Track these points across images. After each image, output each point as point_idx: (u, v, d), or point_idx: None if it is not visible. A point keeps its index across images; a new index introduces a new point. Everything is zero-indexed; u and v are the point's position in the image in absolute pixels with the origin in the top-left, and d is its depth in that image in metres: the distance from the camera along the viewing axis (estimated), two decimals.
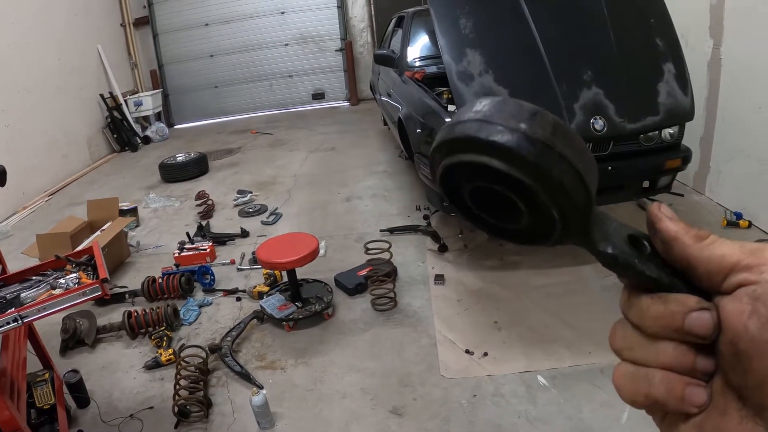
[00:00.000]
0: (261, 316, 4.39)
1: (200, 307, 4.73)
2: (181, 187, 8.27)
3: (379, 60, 6.56)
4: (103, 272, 2.67)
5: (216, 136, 11.79)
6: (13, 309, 2.46)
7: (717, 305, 0.42)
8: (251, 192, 7.38)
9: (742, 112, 5.16)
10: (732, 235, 4.67)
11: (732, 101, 5.30)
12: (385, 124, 9.46)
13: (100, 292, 2.59)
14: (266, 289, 4.74)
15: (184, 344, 4.00)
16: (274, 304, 4.39)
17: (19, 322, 2.39)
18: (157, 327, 4.35)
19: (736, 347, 0.40)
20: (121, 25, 12.53)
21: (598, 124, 4.12)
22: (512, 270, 4.88)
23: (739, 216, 5.22)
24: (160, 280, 4.89)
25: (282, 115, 13.20)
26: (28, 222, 7.73)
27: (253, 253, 5.43)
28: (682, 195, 5.57)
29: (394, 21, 7.95)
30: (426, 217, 5.86)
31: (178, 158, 8.93)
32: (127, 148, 11.27)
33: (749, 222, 5.17)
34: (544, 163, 0.44)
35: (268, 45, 13.23)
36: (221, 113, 13.48)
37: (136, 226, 6.72)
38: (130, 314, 4.37)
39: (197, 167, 8.79)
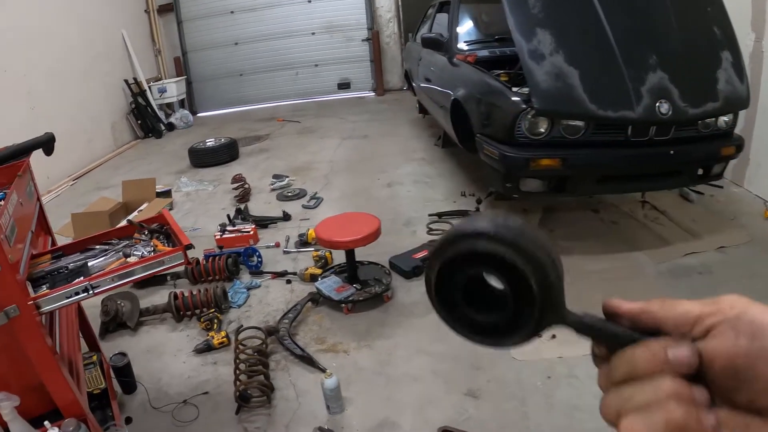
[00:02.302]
0: (317, 298, 4.13)
1: (248, 289, 4.47)
2: (212, 172, 8.03)
3: (428, 43, 6.29)
4: (185, 238, 2.39)
5: (241, 123, 11.57)
6: (82, 278, 2.19)
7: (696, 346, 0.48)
8: (288, 176, 7.12)
9: None
10: None
11: None
12: (421, 111, 9.21)
13: (182, 260, 2.31)
14: (319, 271, 4.47)
15: (241, 326, 3.72)
16: (330, 285, 4.12)
17: (90, 292, 2.11)
18: (204, 309, 4.09)
19: (733, 367, 0.45)
20: (145, 11, 12.40)
21: (664, 107, 4.01)
22: (566, 255, 4.61)
23: None
24: (205, 262, 4.63)
25: (307, 104, 12.98)
26: (53, 206, 7.48)
27: (300, 235, 5.21)
28: (721, 187, 5.54)
29: (435, 6, 7.66)
30: (479, 201, 5.59)
31: (208, 143, 8.70)
32: (151, 135, 11.10)
33: None
34: (522, 245, 0.53)
35: (294, 33, 13.03)
36: (245, 102, 13.33)
37: (170, 209, 6.47)
38: (176, 296, 4.11)
39: (228, 152, 8.56)
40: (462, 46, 5.99)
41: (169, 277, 4.67)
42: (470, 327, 0.59)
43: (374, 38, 13.00)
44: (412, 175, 7.05)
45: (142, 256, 2.32)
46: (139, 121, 11.10)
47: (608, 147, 4.20)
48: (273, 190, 6.88)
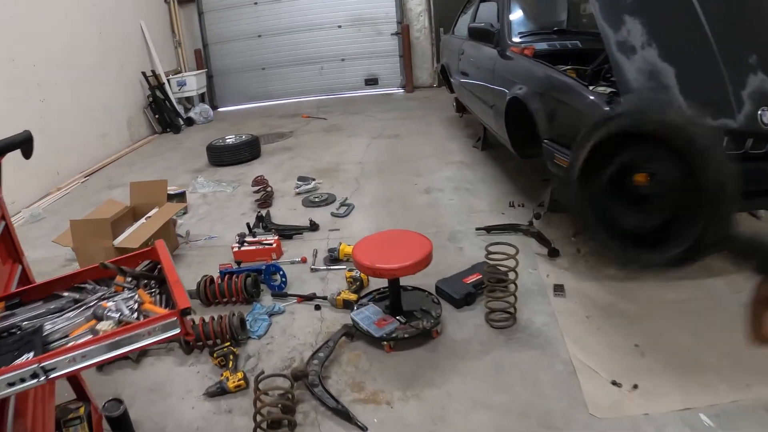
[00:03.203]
0: (352, 332, 3.46)
1: (270, 315, 3.82)
2: (231, 172, 7.43)
3: (475, 35, 5.61)
4: (182, 296, 1.71)
5: (263, 119, 11.04)
6: (32, 354, 1.53)
7: None
8: (314, 179, 6.47)
9: None
10: None
11: None
12: (458, 110, 8.54)
13: (178, 330, 1.65)
14: (353, 296, 3.82)
15: (262, 372, 3.05)
16: (369, 317, 3.46)
17: (42, 378, 1.46)
18: (218, 340, 3.45)
19: None
20: (165, 1, 11.91)
21: (767, 116, 3.33)
22: (636, 281, 4.04)
23: None
24: (220, 281, 3.98)
25: (333, 100, 12.47)
26: (62, 204, 6.97)
27: (330, 250, 4.55)
28: None
29: None
30: (537, 216, 4.91)
31: (228, 140, 8.08)
32: (169, 130, 10.58)
33: None
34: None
35: (320, 26, 12.52)
36: (267, 97, 12.85)
37: (184, 213, 5.86)
38: None
39: (249, 150, 7.95)
40: (515, 38, 5.28)
41: None
42: (611, 228, 0.31)
43: (404, 32, 12.45)
44: (451, 180, 6.39)
45: (119, 320, 1.63)
46: (156, 116, 10.61)
47: None
48: (298, 194, 6.24)
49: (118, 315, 1.65)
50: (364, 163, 7.34)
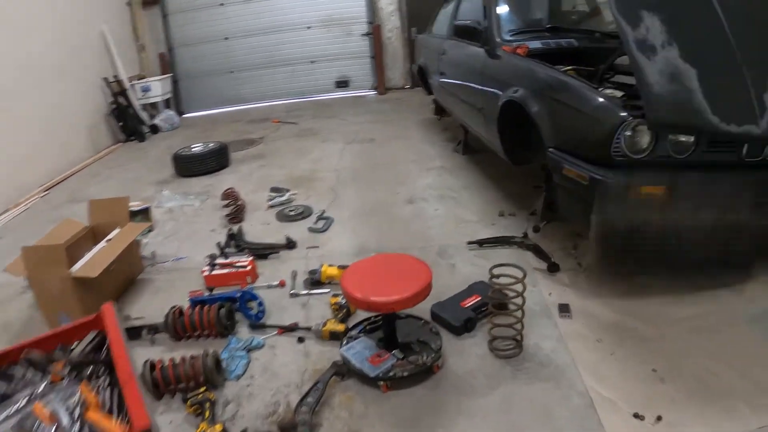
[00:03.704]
0: (343, 370, 3.06)
1: (248, 351, 3.40)
2: (199, 183, 6.98)
3: (461, 32, 5.23)
4: (138, 409, 1.28)
5: (232, 125, 10.61)
6: None
7: None
8: (288, 190, 6.06)
9: None
10: None
11: None
12: (437, 113, 8.20)
13: None
14: (341, 327, 3.42)
15: (245, 430, 2.64)
16: (361, 353, 3.07)
17: None
18: (192, 383, 3.04)
19: None
20: (127, 3, 11.41)
21: None
22: (643, 296, 3.78)
23: None
24: (191, 311, 3.57)
25: (303, 103, 12.08)
26: (21, 221, 6.49)
27: (310, 272, 4.16)
28: None
29: None
30: (536, 229, 4.57)
31: (195, 149, 7.64)
32: (133, 138, 10.07)
33: None
34: None
35: (290, 27, 12.12)
36: (236, 101, 12.42)
37: (150, 231, 5.40)
38: (153, 366, 3.05)
39: (217, 159, 7.50)
40: (506, 36, 4.92)
41: (145, 331, 3.61)
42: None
43: (375, 33, 12.15)
44: (434, 188, 6.03)
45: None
46: (120, 123, 10.08)
47: (719, 170, 3.22)
48: (271, 206, 5.82)
49: (53, 429, 1.22)
50: (339, 171, 6.95)
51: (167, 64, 12.10)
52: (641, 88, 2.92)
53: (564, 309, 3.66)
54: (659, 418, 2.74)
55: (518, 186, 5.69)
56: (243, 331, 3.65)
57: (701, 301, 3.69)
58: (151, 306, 4.05)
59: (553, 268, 4.12)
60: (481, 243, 4.56)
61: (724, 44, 3.09)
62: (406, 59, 12.35)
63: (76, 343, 1.71)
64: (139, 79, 10.94)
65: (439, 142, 7.96)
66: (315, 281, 4.08)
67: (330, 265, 4.13)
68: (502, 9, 5.16)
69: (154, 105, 11.03)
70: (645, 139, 3.07)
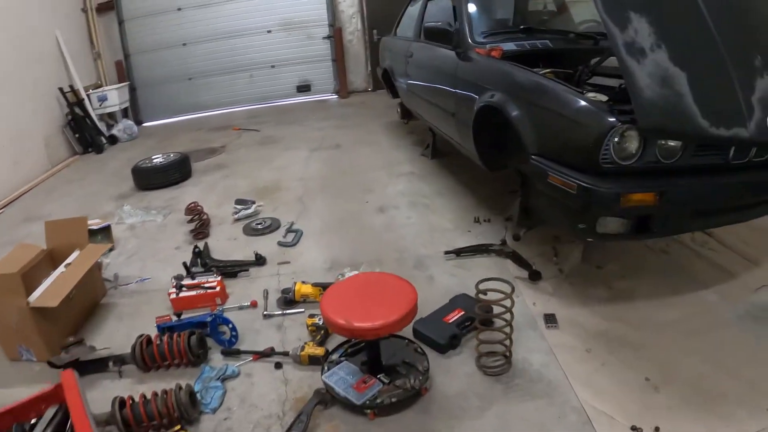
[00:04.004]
0: (326, 398, 2.89)
1: (223, 380, 3.20)
2: (161, 196, 6.71)
3: (430, 35, 5.04)
4: None
5: (192, 133, 10.32)
6: None
7: None
8: (254, 202, 5.83)
9: None
10: None
11: None
12: (403, 117, 8.05)
13: None
14: (320, 351, 3.24)
15: None
16: (345, 379, 2.90)
17: None
18: (165, 420, 2.83)
19: None
20: (82, 9, 10.99)
21: None
22: (627, 301, 3.75)
23: None
24: (159, 341, 3.35)
25: (264, 109, 11.89)
26: None
27: (283, 291, 3.98)
28: None
29: None
30: (516, 237, 4.43)
31: (155, 160, 7.36)
32: (90, 150, 9.72)
33: None
34: None
35: (249, 32, 11.90)
36: (196, 108, 12.16)
37: (111, 250, 5.15)
38: (123, 403, 2.84)
39: (179, 171, 7.23)
40: (478, 38, 4.76)
41: (111, 363, 3.39)
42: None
43: (336, 36, 12.00)
44: (405, 195, 5.88)
45: None
46: (76, 135, 9.70)
47: (707, 173, 3.14)
48: (237, 220, 5.60)
49: None
50: (306, 180, 6.75)
51: (124, 72, 11.75)
52: (632, 92, 2.79)
53: (550, 319, 3.56)
54: (657, 429, 2.67)
55: (491, 190, 5.58)
56: (216, 358, 3.44)
57: (684, 303, 3.67)
58: (117, 333, 3.82)
59: (534, 276, 4.01)
60: (459, 252, 4.43)
61: (712, 45, 3.00)
62: (368, 62, 12.20)
63: (33, 420, 1.53)
64: (95, 88, 10.61)
65: (406, 146, 7.83)
66: (289, 300, 3.89)
67: (303, 283, 3.95)
68: (474, 10, 4.98)
69: (111, 115, 10.68)
70: (633, 144, 2.95)
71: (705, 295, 3.75)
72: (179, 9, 11.59)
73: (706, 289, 3.80)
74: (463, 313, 3.47)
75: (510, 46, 4.47)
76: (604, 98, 3.11)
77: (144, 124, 11.81)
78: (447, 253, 4.44)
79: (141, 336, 3.40)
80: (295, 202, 6.01)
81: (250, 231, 5.29)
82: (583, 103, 3.11)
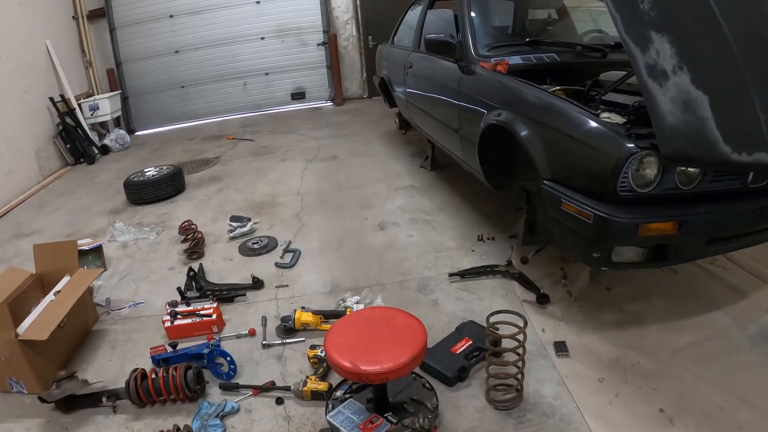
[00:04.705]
0: None
1: (222, 417, 3.04)
2: (154, 212, 6.53)
3: (433, 46, 4.85)
4: None
5: (186, 143, 10.13)
6: None
7: None
8: (249, 219, 5.66)
9: None
10: None
11: None
12: (401, 127, 7.88)
13: None
14: (323, 386, 3.09)
15: None
16: (351, 419, 2.74)
17: None
18: None
19: None
20: (73, 17, 10.75)
21: None
22: (639, 326, 3.61)
23: None
24: (154, 375, 3.20)
25: (259, 117, 11.69)
26: None
27: (283, 319, 3.83)
28: None
29: (425, 2, 6.32)
30: (525, 261, 4.27)
31: (148, 173, 7.18)
32: (82, 160, 9.51)
33: None
34: None
35: (242, 39, 11.68)
36: (189, 117, 11.94)
37: (103, 272, 4.98)
38: None
39: (172, 185, 7.04)
40: (482, 51, 4.59)
41: (105, 398, 3.23)
42: None
43: (331, 42, 11.80)
44: (406, 211, 5.72)
45: None
46: (68, 145, 9.49)
47: (725, 198, 3.01)
48: (233, 238, 5.43)
49: None
50: (303, 194, 6.58)
51: (116, 81, 11.54)
52: (654, 118, 2.63)
53: (561, 348, 3.43)
54: None
55: (494, 205, 5.44)
56: (214, 392, 3.28)
57: (696, 326, 3.55)
58: (110, 364, 3.66)
59: (542, 300, 3.87)
60: (463, 274, 4.28)
61: (732, 63, 2.82)
62: (363, 69, 12.06)
63: None
64: (87, 97, 10.39)
65: (404, 157, 7.67)
66: (288, 329, 3.73)
67: (303, 309, 3.80)
68: (478, 21, 4.82)
69: (103, 124, 10.45)
70: (652, 171, 2.81)
71: (716, 316, 3.63)
72: (171, 16, 11.38)
73: (718, 310, 3.68)
74: (471, 342, 3.34)
75: (516, 59, 4.30)
76: (620, 120, 2.97)
77: (136, 133, 11.60)
78: (452, 275, 4.30)
79: (135, 370, 3.24)
80: (292, 218, 5.84)
81: (247, 250, 5.12)
82: (599, 126, 2.96)
